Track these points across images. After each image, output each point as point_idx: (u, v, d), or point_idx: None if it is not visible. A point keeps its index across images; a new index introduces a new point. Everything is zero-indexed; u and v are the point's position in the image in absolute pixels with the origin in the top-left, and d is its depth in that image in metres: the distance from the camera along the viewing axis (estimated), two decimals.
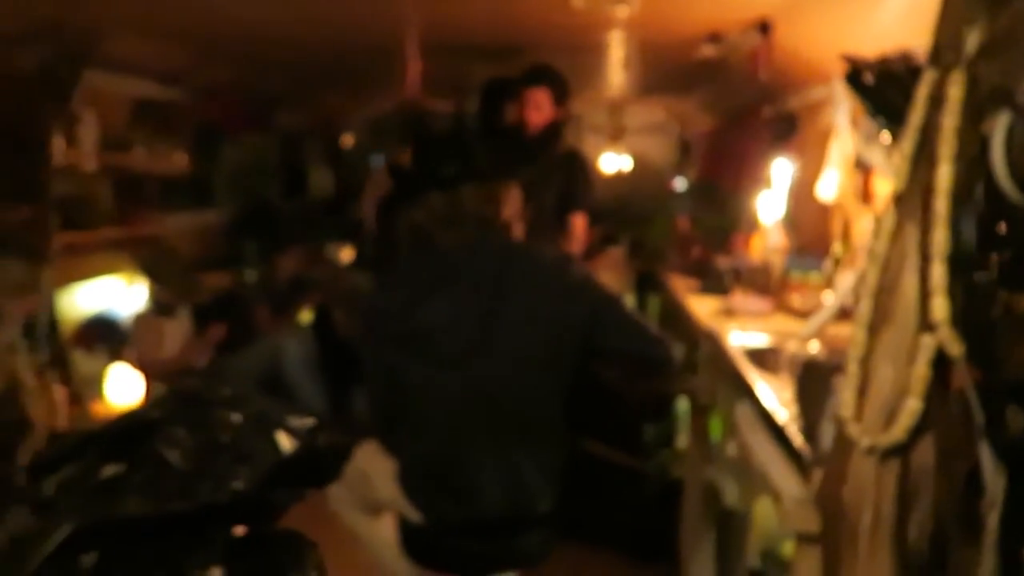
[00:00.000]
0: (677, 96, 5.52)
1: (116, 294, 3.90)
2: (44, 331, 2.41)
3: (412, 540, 1.89)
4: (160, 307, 3.85)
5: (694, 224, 4.97)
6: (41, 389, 2.69)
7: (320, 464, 0.99)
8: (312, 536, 1.08)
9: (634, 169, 6.20)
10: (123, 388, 3.05)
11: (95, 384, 3.29)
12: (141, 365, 3.66)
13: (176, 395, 0.98)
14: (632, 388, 1.89)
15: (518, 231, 1.94)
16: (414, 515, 1.85)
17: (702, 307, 3.07)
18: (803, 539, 1.27)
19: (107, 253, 3.73)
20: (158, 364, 3.75)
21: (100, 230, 3.54)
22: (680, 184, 6.22)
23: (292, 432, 0.92)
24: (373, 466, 2.03)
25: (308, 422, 0.93)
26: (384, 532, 2.02)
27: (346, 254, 5.23)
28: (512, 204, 1.88)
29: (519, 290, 1.78)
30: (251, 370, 4.00)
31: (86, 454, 0.96)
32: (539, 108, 3.36)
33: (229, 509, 0.89)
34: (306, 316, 4.55)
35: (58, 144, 3.12)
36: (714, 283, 3.47)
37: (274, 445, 0.92)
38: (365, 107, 5.96)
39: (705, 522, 2.29)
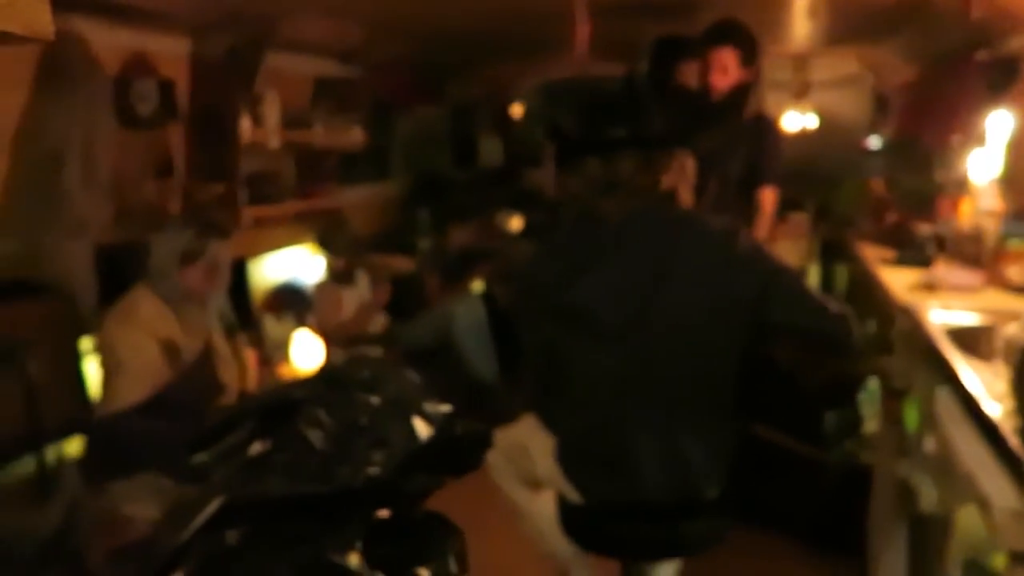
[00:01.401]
0: (871, 44, 5.00)
1: (301, 263, 4.14)
2: (225, 302, 2.57)
3: (571, 519, 1.84)
4: (337, 275, 4.03)
5: (890, 187, 4.50)
6: (234, 353, 2.90)
7: (458, 452, 0.95)
8: (474, 507, 1.04)
9: (821, 127, 5.72)
10: (306, 352, 3.23)
11: (283, 348, 3.51)
12: (322, 330, 3.88)
13: (320, 376, 0.97)
14: (809, 370, 1.70)
15: (686, 199, 1.80)
16: (572, 494, 1.80)
17: (898, 280, 2.76)
18: (1021, 559, 1.07)
19: (291, 225, 3.95)
20: (338, 329, 3.95)
21: (284, 204, 3.75)
22: (874, 142, 5.66)
23: (428, 418, 0.89)
24: (533, 441, 2.00)
25: (444, 409, 0.89)
26: (545, 507, 1.98)
27: (516, 223, 5.25)
28: (675, 172, 1.74)
29: (683, 262, 1.66)
30: (423, 337, 4.13)
31: (240, 428, 0.98)
32: (725, 70, 3.07)
33: (366, 493, 0.88)
34: (478, 285, 4.62)
35: (244, 124, 3.33)
36: (913, 253, 3.12)
37: (410, 431, 0.89)
38: (535, 74, 5.90)
39: (897, 522, 2.06)
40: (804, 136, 5.48)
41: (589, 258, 1.71)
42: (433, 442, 0.87)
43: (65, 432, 2.20)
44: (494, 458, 2.22)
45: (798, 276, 1.71)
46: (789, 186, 4.80)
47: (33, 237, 2.55)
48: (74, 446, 2.27)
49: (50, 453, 1.94)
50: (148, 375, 2.23)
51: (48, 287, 2.50)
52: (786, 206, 4.76)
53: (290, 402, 0.92)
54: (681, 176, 1.76)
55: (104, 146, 2.67)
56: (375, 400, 0.90)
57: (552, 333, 1.74)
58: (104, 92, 2.70)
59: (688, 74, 3.69)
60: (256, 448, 0.91)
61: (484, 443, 0.96)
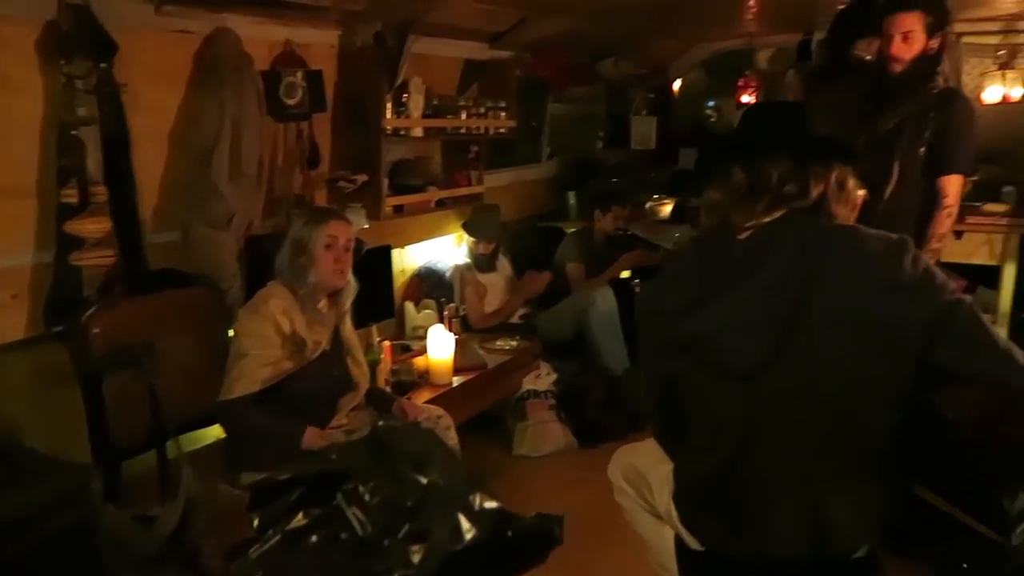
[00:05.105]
0: None
1: (445, 251, 4.14)
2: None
3: (689, 566, 1.67)
4: (480, 262, 4.00)
5: None
6: (367, 346, 2.92)
7: (512, 552, 0.82)
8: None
9: None
10: (441, 345, 3.22)
11: (423, 337, 3.51)
12: (465, 318, 3.87)
13: (368, 443, 0.88)
14: (990, 433, 1.39)
15: (841, 214, 1.54)
16: (690, 539, 1.63)
17: None
18: None
19: (436, 213, 3.94)
20: (480, 317, 3.93)
21: (428, 192, 3.74)
22: None
23: (474, 517, 0.76)
24: (653, 472, 1.84)
25: (493, 506, 0.76)
26: (670, 542, 1.82)
27: (668, 208, 5.00)
28: (829, 185, 1.49)
29: (830, 287, 1.41)
30: (562, 324, 4.03)
31: (291, 492, 0.91)
32: (908, 39, 2.72)
33: None
34: (625, 273, 4.44)
35: (389, 111, 3.32)
36: None
37: (455, 528, 0.77)
38: (700, 49, 5.55)
39: None
40: (1011, 110, 4.78)
41: (714, 281, 1.50)
42: (478, 544, 0.75)
43: (187, 424, 2.30)
44: (616, 478, 2.08)
45: (977, 313, 1.40)
46: (986, 171, 4.22)
47: (185, 228, 2.67)
48: (192, 440, 2.37)
49: (174, 448, 2.01)
50: (265, 366, 2.27)
51: (198, 277, 2.61)
52: (982, 194, 4.19)
53: (337, 473, 0.83)
54: (837, 192, 1.50)
55: (251, 139, 2.75)
56: (422, 480, 0.79)
57: (671, 366, 1.55)
58: (252, 86, 2.77)
59: (870, 49, 3.31)
60: (298, 519, 0.83)
61: (547, 540, 0.83)
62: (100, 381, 2.13)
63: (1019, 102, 4.66)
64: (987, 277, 4.08)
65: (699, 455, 1.56)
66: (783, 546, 1.50)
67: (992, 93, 4.67)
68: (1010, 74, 4.68)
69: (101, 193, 2.24)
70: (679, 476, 1.64)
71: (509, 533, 0.78)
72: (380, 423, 1.19)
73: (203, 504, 1.81)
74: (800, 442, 1.46)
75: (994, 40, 4.78)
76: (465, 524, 0.76)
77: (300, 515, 0.83)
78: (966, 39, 4.66)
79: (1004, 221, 4.12)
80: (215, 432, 2.58)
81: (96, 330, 2.22)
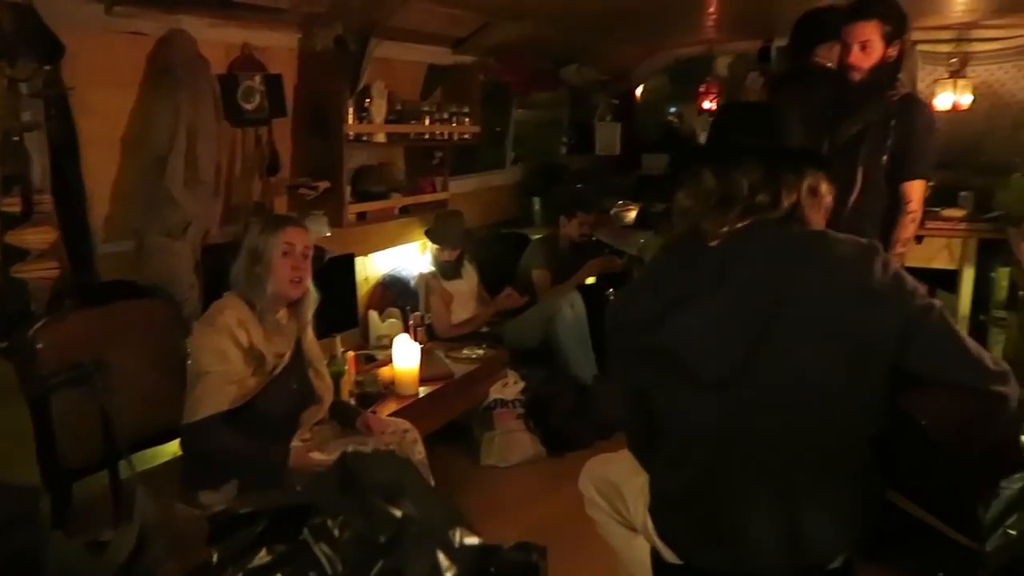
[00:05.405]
0: None
1: (409, 259, 4.07)
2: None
3: None
4: (445, 269, 3.94)
5: None
6: (330, 357, 2.84)
7: None
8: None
9: (984, 107, 5.08)
10: (405, 354, 3.15)
11: (388, 347, 3.44)
12: (431, 327, 3.80)
13: (336, 473, 0.82)
14: (963, 439, 1.38)
15: (815, 220, 1.52)
16: (667, 553, 1.59)
17: None
18: None
19: (399, 220, 3.88)
20: (447, 327, 3.87)
21: (392, 198, 3.67)
22: None
23: (454, 554, 0.71)
24: (627, 484, 1.81)
25: (474, 541, 0.71)
26: (642, 553, 1.79)
27: (632, 214, 4.99)
28: (802, 192, 1.47)
29: (802, 294, 1.39)
30: (528, 332, 3.98)
31: (253, 525, 0.85)
32: (866, 48, 2.74)
33: None
34: (591, 279, 4.42)
35: (351, 116, 3.25)
36: None
37: (432, 568, 0.71)
38: (662, 56, 5.57)
39: None
40: (962, 117, 4.88)
41: (685, 289, 1.47)
42: None
43: (141, 442, 2.21)
44: (588, 490, 2.04)
45: (948, 317, 1.40)
46: (942, 176, 4.29)
47: (139, 238, 2.57)
48: (147, 459, 2.28)
49: (129, 468, 1.92)
50: (230, 383, 2.18)
51: (152, 288, 2.51)
52: (939, 200, 4.26)
53: (303, 507, 0.77)
54: (810, 199, 1.48)
55: (208, 144, 2.66)
56: (396, 513, 0.74)
57: (644, 376, 1.51)
58: (208, 90, 2.68)
59: (831, 55, 3.33)
60: (261, 556, 0.77)
61: (530, 573, 0.78)
62: (48, 398, 2.02)
63: (969, 109, 4.76)
64: (946, 281, 4.14)
65: (674, 466, 1.52)
66: (761, 557, 1.47)
67: (943, 100, 4.76)
68: (961, 82, 4.77)
69: (46, 202, 2.13)
70: (655, 488, 1.61)
71: (492, 570, 0.73)
72: (349, 449, 1.13)
73: (159, 527, 1.72)
74: (776, 451, 1.43)
75: (946, 48, 4.88)
76: (444, 562, 0.70)
77: (263, 552, 0.77)
78: (919, 47, 4.75)
79: (962, 226, 4.20)
80: (171, 449, 2.48)
81: (43, 345, 2.12)
